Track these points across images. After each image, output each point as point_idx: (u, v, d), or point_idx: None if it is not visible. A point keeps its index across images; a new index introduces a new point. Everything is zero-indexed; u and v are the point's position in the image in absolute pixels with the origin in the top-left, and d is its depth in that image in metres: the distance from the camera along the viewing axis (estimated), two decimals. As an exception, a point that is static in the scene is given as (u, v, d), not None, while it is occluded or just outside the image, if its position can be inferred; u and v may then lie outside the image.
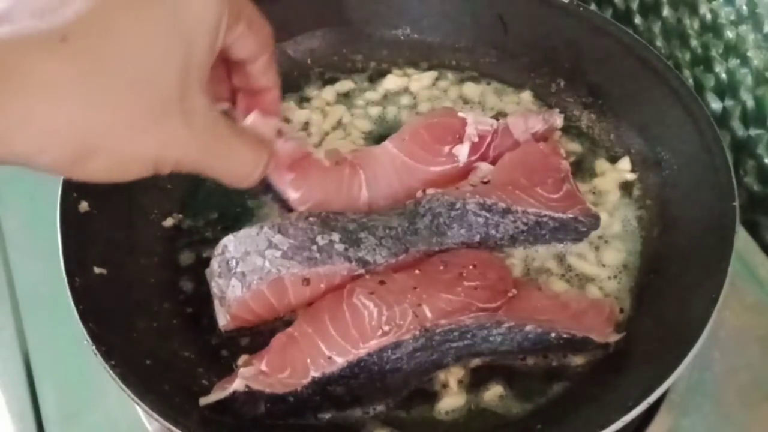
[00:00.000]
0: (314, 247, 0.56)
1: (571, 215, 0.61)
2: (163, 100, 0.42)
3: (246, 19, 0.48)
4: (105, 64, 0.39)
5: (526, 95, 0.75)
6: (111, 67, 0.40)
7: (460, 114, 0.66)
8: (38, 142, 0.38)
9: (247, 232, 0.58)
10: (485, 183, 0.62)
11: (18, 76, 0.37)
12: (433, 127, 0.66)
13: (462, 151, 0.64)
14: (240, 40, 0.49)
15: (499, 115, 0.71)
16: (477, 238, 0.60)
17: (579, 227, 0.62)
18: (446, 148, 0.65)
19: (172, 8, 0.42)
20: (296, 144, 0.62)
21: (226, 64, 0.53)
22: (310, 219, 0.58)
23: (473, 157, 0.65)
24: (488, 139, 0.65)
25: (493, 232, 0.60)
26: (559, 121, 0.67)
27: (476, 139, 0.64)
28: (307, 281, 0.56)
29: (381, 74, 0.77)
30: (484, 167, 0.64)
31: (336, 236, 0.57)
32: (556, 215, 0.61)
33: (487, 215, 0.60)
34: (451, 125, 0.65)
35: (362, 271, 0.57)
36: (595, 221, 0.62)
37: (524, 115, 0.66)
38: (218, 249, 0.58)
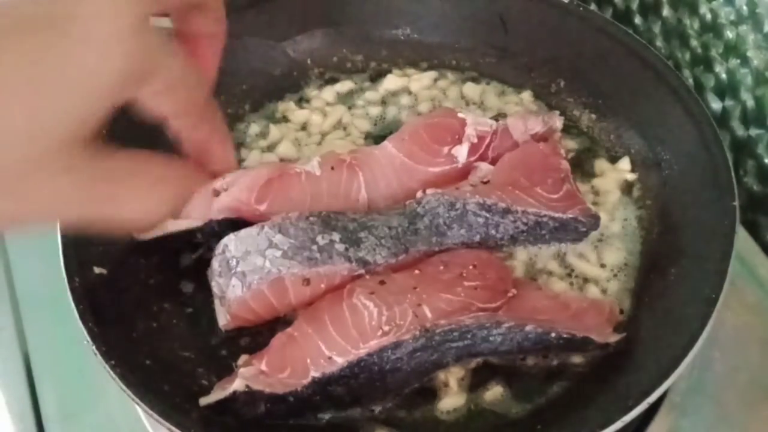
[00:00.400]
0: (314, 247, 0.56)
1: (571, 215, 0.61)
2: (40, 155, 0.38)
3: (163, 79, 0.44)
4: None
5: (527, 95, 0.75)
6: None
7: (460, 114, 0.66)
8: None
9: (247, 232, 0.57)
10: (485, 183, 0.62)
11: None
12: (433, 128, 0.66)
13: (461, 152, 0.64)
14: (155, 98, 0.45)
15: (499, 115, 0.71)
16: (477, 238, 0.60)
17: (579, 227, 0.62)
18: (445, 149, 0.65)
19: (62, 54, 0.38)
20: (244, 184, 0.60)
21: None
22: (311, 219, 0.58)
23: (472, 158, 0.65)
24: (487, 140, 0.65)
25: (493, 232, 0.60)
26: (558, 123, 0.67)
27: (475, 140, 0.64)
28: (307, 281, 0.56)
29: (381, 74, 0.77)
30: (484, 167, 0.64)
31: (336, 236, 0.57)
32: (556, 215, 0.60)
33: (487, 215, 0.60)
34: (450, 126, 0.65)
35: (362, 271, 0.57)
36: (595, 221, 0.62)
37: (523, 117, 0.66)
38: (219, 248, 0.58)
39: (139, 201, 0.45)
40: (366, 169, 0.63)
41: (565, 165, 0.63)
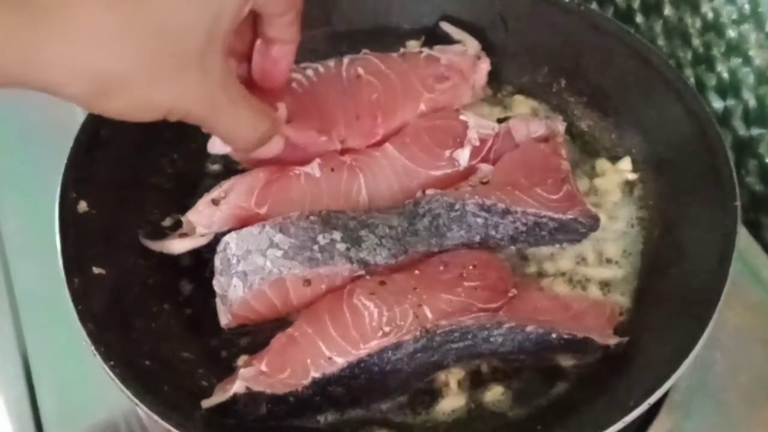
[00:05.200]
0: (315, 247, 0.56)
1: (570, 216, 0.61)
2: (186, 57, 0.46)
3: None
4: (142, 17, 0.43)
5: (527, 95, 0.75)
6: (147, 20, 0.44)
7: (462, 117, 0.66)
8: (67, 76, 0.43)
9: (249, 230, 0.57)
10: (484, 183, 0.62)
11: (61, 18, 0.42)
12: (434, 130, 0.65)
13: (463, 155, 0.64)
14: (272, 1, 0.52)
15: (501, 118, 0.71)
16: (477, 238, 0.60)
17: (579, 228, 0.61)
18: (447, 152, 0.64)
19: None
20: (242, 189, 0.61)
21: (253, 16, 0.55)
22: (311, 218, 0.58)
23: (474, 161, 0.64)
24: (489, 143, 0.65)
25: (492, 232, 0.60)
26: (561, 127, 0.67)
27: (477, 143, 0.64)
28: (308, 282, 0.56)
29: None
30: (484, 168, 0.64)
31: (337, 235, 0.57)
32: (556, 216, 0.60)
33: (487, 216, 0.59)
34: (452, 128, 0.65)
35: (362, 272, 0.57)
36: (594, 222, 0.62)
37: (526, 119, 0.66)
38: (220, 245, 0.58)
39: (245, 121, 0.52)
40: (366, 171, 0.63)
41: (566, 165, 0.63)
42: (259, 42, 0.57)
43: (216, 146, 0.59)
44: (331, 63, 0.67)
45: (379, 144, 0.66)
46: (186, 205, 0.64)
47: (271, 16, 0.54)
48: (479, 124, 0.65)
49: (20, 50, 0.42)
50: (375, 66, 0.68)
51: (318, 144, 0.64)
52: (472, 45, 0.72)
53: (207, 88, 0.48)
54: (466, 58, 0.70)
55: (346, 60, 0.68)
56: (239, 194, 0.61)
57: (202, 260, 0.61)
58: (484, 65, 0.70)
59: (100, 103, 0.45)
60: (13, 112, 0.79)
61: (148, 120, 0.47)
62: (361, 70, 0.67)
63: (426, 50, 0.70)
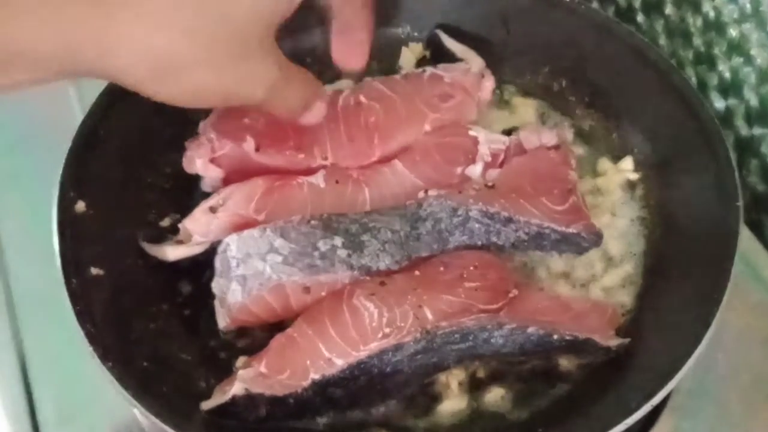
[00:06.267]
0: (316, 254, 0.56)
1: (573, 230, 0.59)
2: (247, 42, 0.48)
3: None
4: (209, 5, 0.45)
5: (528, 95, 0.75)
6: (214, 9, 0.46)
7: (471, 132, 0.65)
8: (127, 60, 0.45)
9: (250, 233, 0.57)
10: (490, 187, 0.61)
11: (135, 3, 0.44)
12: (444, 147, 0.64)
13: (475, 172, 0.63)
14: None
15: (510, 129, 0.70)
16: (479, 244, 0.60)
17: (581, 242, 0.61)
18: (459, 169, 0.64)
19: None
20: (240, 196, 0.61)
21: None
22: (312, 222, 0.58)
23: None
24: (501, 157, 0.64)
25: (494, 239, 0.60)
26: (569, 135, 0.67)
27: (489, 159, 0.64)
28: (307, 289, 0.56)
29: (381, 74, 0.76)
30: (491, 171, 0.63)
31: (338, 240, 0.57)
32: (559, 228, 0.59)
33: (489, 222, 0.59)
34: (462, 145, 0.64)
35: (363, 277, 0.57)
36: (597, 239, 0.60)
37: (537, 130, 0.65)
38: (221, 246, 0.57)
39: (295, 94, 0.55)
40: (373, 186, 0.62)
41: (573, 176, 0.62)
42: (334, 26, 0.59)
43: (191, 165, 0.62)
44: (329, 92, 0.67)
45: (379, 162, 0.65)
46: (185, 206, 0.63)
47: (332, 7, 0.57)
48: (490, 139, 0.65)
49: (94, 31, 0.43)
50: (378, 91, 0.67)
51: (297, 162, 0.63)
52: (476, 63, 0.71)
53: (267, 70, 0.50)
54: (470, 75, 0.69)
55: (346, 90, 0.68)
56: (237, 202, 0.60)
57: (201, 261, 0.61)
58: (489, 83, 0.69)
59: (160, 86, 0.46)
60: (10, 112, 0.78)
61: (208, 106, 0.51)
62: (362, 98, 0.66)
63: (429, 69, 0.69)
